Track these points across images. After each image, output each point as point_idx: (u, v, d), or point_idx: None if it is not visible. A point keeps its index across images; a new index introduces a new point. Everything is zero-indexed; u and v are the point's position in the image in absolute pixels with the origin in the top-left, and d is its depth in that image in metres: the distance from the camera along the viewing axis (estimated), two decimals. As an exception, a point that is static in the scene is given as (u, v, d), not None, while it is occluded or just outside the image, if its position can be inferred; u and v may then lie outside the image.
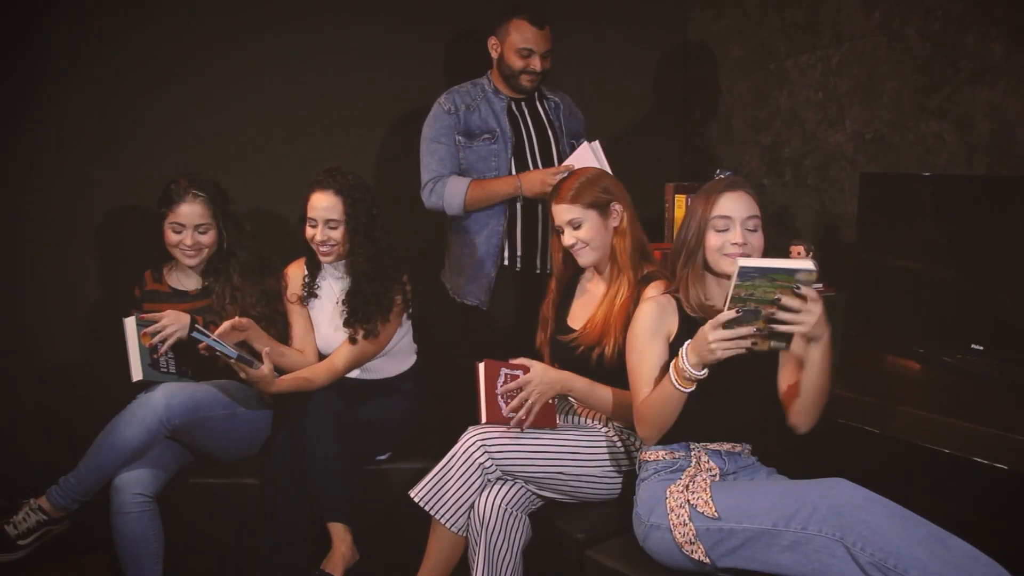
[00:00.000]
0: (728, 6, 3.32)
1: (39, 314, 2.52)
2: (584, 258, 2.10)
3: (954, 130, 2.61)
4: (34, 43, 2.42)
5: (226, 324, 2.21)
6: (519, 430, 1.99)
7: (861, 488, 1.57)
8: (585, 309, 2.15)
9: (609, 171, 2.40)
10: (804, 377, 1.71)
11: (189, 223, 2.27)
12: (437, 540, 2.01)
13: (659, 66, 3.47)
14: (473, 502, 1.95)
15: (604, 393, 2.03)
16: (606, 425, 2.10)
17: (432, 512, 1.96)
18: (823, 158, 3.02)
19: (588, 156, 2.43)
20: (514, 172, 2.58)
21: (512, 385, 1.98)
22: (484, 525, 1.91)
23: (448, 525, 1.96)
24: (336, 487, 2.17)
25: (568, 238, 2.09)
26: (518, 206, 2.61)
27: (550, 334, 2.21)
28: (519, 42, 2.57)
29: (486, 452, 1.94)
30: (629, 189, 2.17)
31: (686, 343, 1.70)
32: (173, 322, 2.21)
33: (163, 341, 2.20)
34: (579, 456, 1.98)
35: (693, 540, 1.67)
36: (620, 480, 2.02)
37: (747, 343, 1.60)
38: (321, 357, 2.42)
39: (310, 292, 2.44)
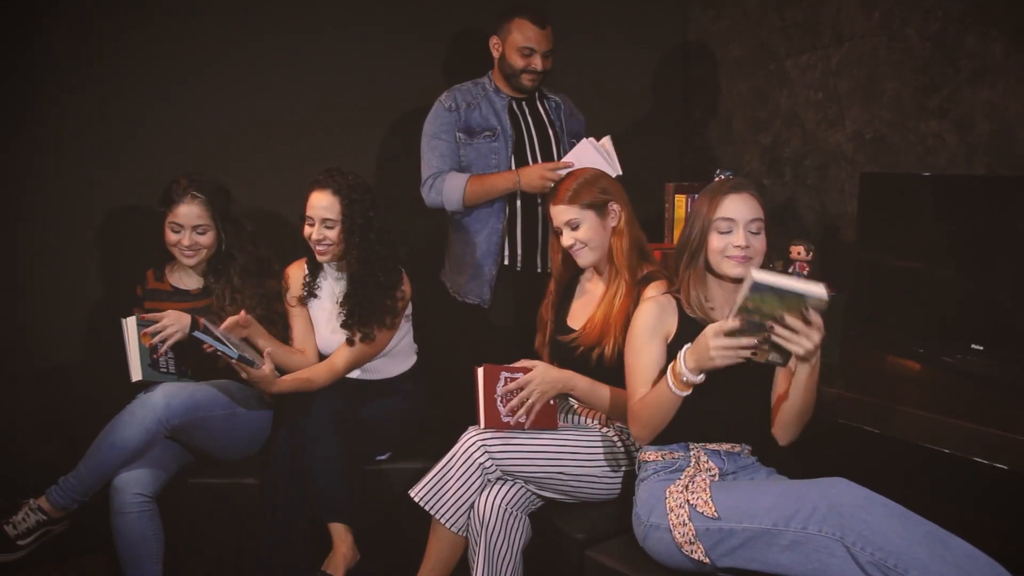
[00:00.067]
0: (728, 6, 3.32)
1: (39, 314, 2.52)
2: (583, 258, 2.10)
3: (954, 130, 2.61)
4: (34, 43, 2.42)
5: (229, 320, 2.21)
6: (520, 430, 1.99)
7: (861, 488, 1.57)
8: (585, 309, 2.15)
9: (618, 167, 2.41)
10: (790, 395, 1.75)
11: (187, 223, 2.28)
12: (437, 540, 2.01)
13: (659, 66, 3.47)
14: (473, 502, 1.95)
15: (605, 392, 2.03)
16: (606, 425, 2.10)
17: (432, 512, 1.96)
18: (823, 158, 3.02)
19: (589, 152, 2.43)
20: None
21: (513, 385, 1.98)
22: (484, 525, 1.91)
23: (448, 525, 1.96)
24: (336, 487, 2.17)
25: (567, 239, 2.09)
26: (518, 205, 2.61)
27: (550, 335, 2.21)
28: (521, 41, 2.57)
29: (486, 452, 1.94)
30: (629, 189, 2.17)
31: (685, 347, 1.70)
32: (174, 322, 2.21)
33: (163, 341, 2.20)
34: (579, 456, 1.98)
35: (693, 540, 1.67)
36: (620, 480, 2.02)
37: (747, 353, 1.61)
38: (322, 357, 2.42)
39: (310, 292, 2.44)
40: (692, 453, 1.82)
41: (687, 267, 1.84)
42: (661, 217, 2.89)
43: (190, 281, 2.40)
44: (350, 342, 2.34)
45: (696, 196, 2.05)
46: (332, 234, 2.30)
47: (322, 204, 2.28)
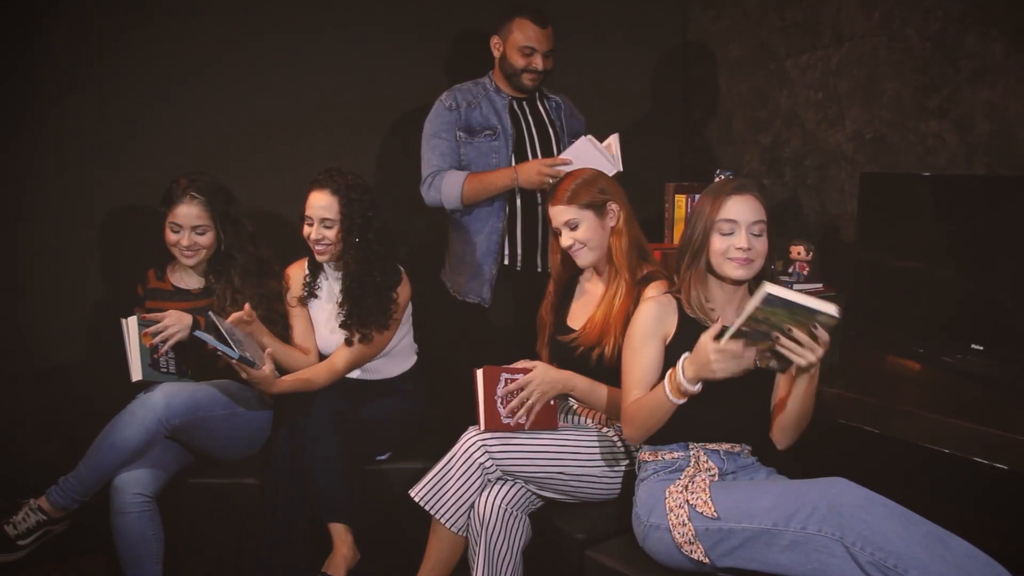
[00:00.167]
0: (728, 6, 3.32)
1: (39, 314, 2.52)
2: (582, 259, 2.10)
3: (954, 130, 2.61)
4: (34, 43, 2.42)
5: (234, 315, 2.21)
6: (521, 430, 1.99)
7: (861, 488, 1.57)
8: (584, 309, 2.15)
9: (619, 164, 2.40)
10: (788, 402, 1.76)
11: (186, 224, 2.28)
12: (437, 540, 2.01)
13: (659, 66, 3.47)
14: (473, 502, 1.95)
15: (605, 393, 2.04)
16: (606, 425, 2.10)
17: (432, 512, 1.96)
18: (823, 158, 3.02)
19: (587, 149, 2.42)
20: None
21: (513, 385, 1.98)
22: (484, 525, 1.91)
23: (448, 525, 1.96)
24: (336, 487, 2.17)
25: (566, 239, 2.09)
26: (518, 205, 2.61)
27: (549, 335, 2.21)
28: (522, 40, 2.58)
29: (486, 452, 1.94)
30: (629, 189, 2.17)
31: (685, 355, 1.70)
32: (175, 322, 2.21)
33: (164, 341, 2.20)
34: (579, 456, 1.98)
35: (692, 540, 1.67)
36: (620, 480, 2.02)
37: (748, 366, 1.62)
38: (322, 358, 2.42)
39: (310, 292, 2.44)
40: (692, 453, 1.82)
41: (688, 268, 1.84)
42: (661, 217, 2.89)
43: (191, 281, 2.40)
44: (348, 342, 2.34)
45: (698, 196, 2.05)
46: (331, 234, 2.30)
47: (321, 204, 2.28)
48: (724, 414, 1.81)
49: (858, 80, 2.87)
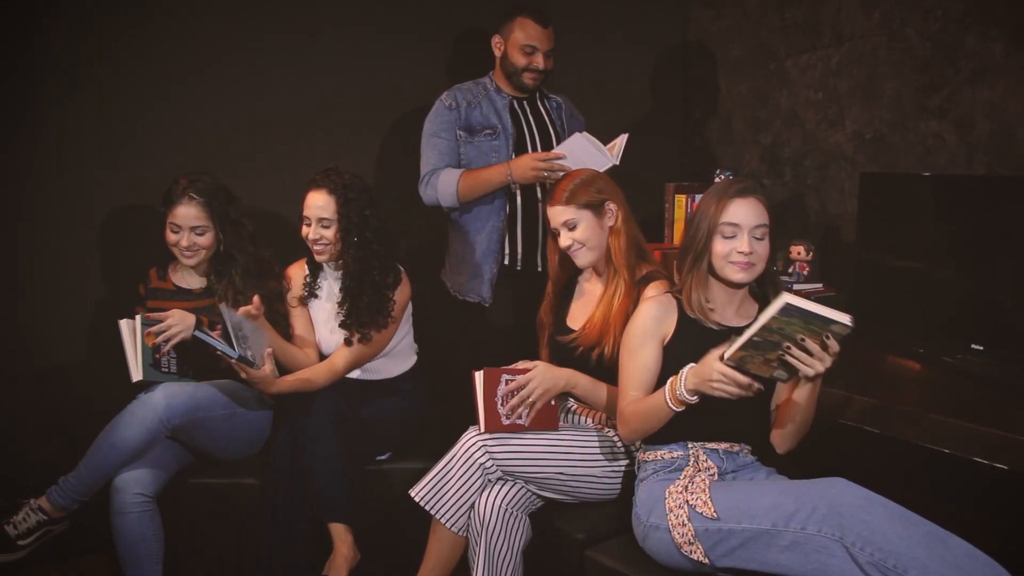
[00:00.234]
0: (728, 6, 3.32)
1: (39, 314, 2.52)
2: (581, 259, 2.10)
3: (954, 130, 2.61)
4: (34, 43, 2.42)
5: (243, 308, 2.20)
6: (521, 426, 1.98)
7: (861, 488, 1.57)
8: (584, 310, 2.15)
9: (614, 159, 2.40)
10: (790, 408, 1.76)
11: (185, 224, 2.28)
12: (437, 540, 2.01)
13: (659, 66, 3.47)
14: (473, 502, 1.95)
15: (607, 392, 2.04)
16: (606, 425, 2.10)
17: (432, 512, 1.96)
18: (823, 158, 3.02)
19: (581, 144, 2.42)
20: None
21: (514, 384, 1.98)
22: (484, 525, 1.91)
23: (448, 525, 1.96)
24: (336, 487, 2.17)
25: (564, 240, 2.09)
26: (518, 204, 2.61)
27: (549, 336, 2.21)
28: (523, 39, 2.58)
29: (487, 452, 1.94)
30: (629, 189, 2.17)
31: (689, 366, 1.70)
32: (178, 322, 2.21)
33: (167, 341, 2.20)
34: (579, 456, 1.98)
35: (692, 540, 1.67)
36: (620, 480, 2.02)
37: (745, 393, 1.62)
38: (322, 357, 2.42)
39: (311, 292, 2.44)
40: (691, 452, 1.82)
41: (691, 269, 1.83)
42: (661, 217, 2.89)
43: (193, 280, 2.40)
44: (348, 342, 2.34)
45: (699, 196, 2.05)
46: (328, 233, 2.30)
47: (318, 204, 2.29)
48: (724, 414, 1.81)
49: (858, 80, 2.87)
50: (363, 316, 2.31)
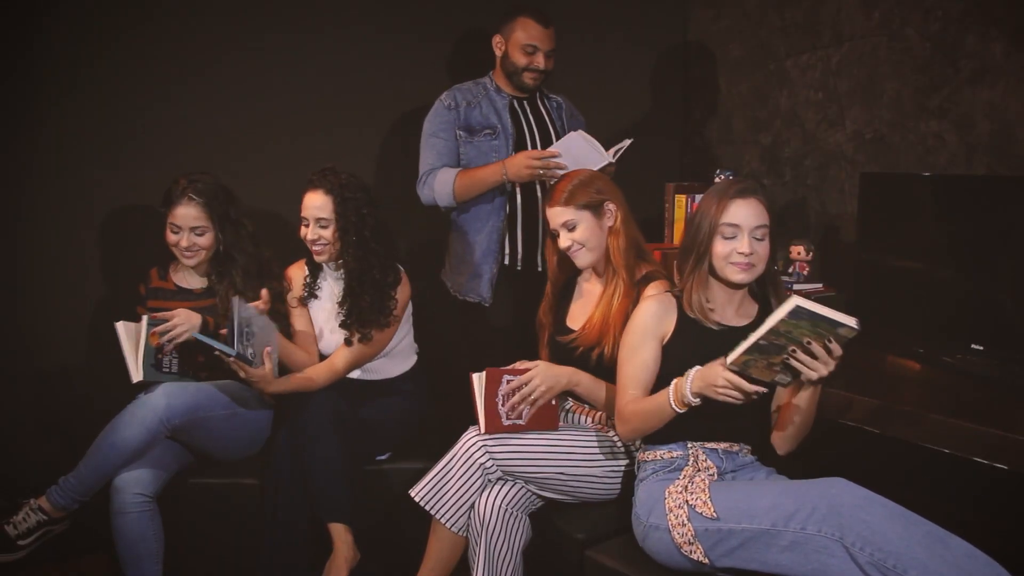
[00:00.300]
0: (728, 6, 3.32)
1: (39, 314, 2.52)
2: (581, 260, 2.10)
3: (954, 130, 2.61)
4: (34, 43, 2.42)
5: (253, 304, 2.20)
6: (522, 427, 1.98)
7: (860, 488, 1.57)
8: (584, 310, 2.15)
9: (610, 157, 2.40)
10: (791, 411, 1.76)
11: (185, 225, 2.28)
12: (437, 540, 2.01)
13: (659, 66, 3.47)
14: (473, 502, 1.95)
15: (608, 390, 2.03)
16: (605, 425, 2.10)
17: (432, 512, 1.96)
18: (823, 158, 3.02)
19: (577, 143, 2.42)
20: None
21: (516, 383, 1.98)
22: (484, 525, 1.91)
23: (448, 525, 1.96)
24: (336, 487, 2.17)
25: (564, 240, 2.09)
26: (518, 204, 2.61)
27: (548, 336, 2.21)
28: (524, 39, 2.58)
29: (487, 452, 1.94)
30: (629, 189, 2.17)
31: (695, 368, 1.70)
32: (184, 321, 2.21)
33: (170, 340, 2.20)
34: (579, 456, 1.98)
35: (692, 540, 1.67)
36: (620, 480, 2.02)
37: (748, 401, 1.62)
38: (322, 357, 2.42)
39: (311, 293, 2.44)
40: (691, 452, 1.82)
41: (692, 270, 1.83)
42: (661, 217, 2.89)
43: (194, 280, 2.40)
44: (348, 342, 2.34)
45: (699, 196, 2.04)
46: (327, 233, 2.30)
47: (315, 204, 2.29)
48: (724, 414, 1.80)
49: (858, 80, 2.87)
50: (365, 315, 2.31)
